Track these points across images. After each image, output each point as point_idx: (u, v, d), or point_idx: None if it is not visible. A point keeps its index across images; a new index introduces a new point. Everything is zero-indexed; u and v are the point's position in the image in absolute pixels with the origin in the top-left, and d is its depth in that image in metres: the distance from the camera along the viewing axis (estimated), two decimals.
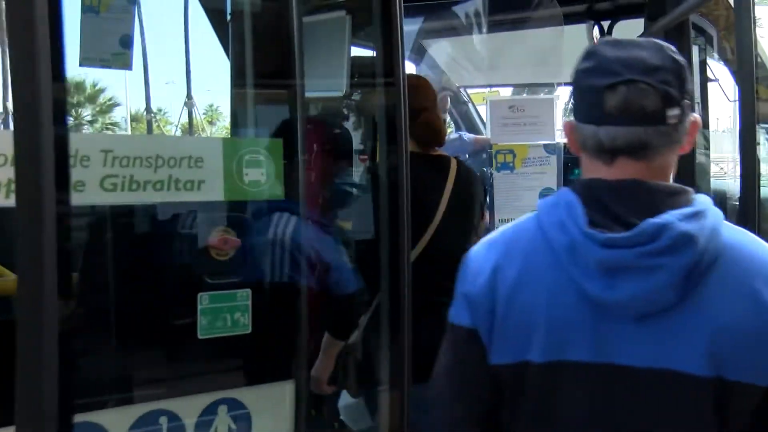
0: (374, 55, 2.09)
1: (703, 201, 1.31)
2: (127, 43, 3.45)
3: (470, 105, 5.32)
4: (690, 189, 1.32)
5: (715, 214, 1.29)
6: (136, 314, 1.91)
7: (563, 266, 1.29)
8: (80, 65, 3.58)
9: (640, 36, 3.05)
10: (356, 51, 2.80)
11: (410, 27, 4.35)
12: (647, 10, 3.08)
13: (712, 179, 3.46)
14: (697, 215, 1.26)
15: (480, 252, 1.42)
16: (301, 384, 2.10)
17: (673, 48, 1.35)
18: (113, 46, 3.46)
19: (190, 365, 2.00)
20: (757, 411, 1.26)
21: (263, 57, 2.42)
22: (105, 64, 3.56)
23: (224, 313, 1.94)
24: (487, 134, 3.90)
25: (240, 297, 1.97)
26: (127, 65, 3.49)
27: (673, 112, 1.29)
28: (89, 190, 1.73)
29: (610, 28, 3.71)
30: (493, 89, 5.36)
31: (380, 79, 2.00)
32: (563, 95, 4.08)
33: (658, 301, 1.24)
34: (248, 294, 1.98)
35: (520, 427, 1.36)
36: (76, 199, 1.69)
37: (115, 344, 1.93)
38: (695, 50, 3.44)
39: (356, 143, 2.79)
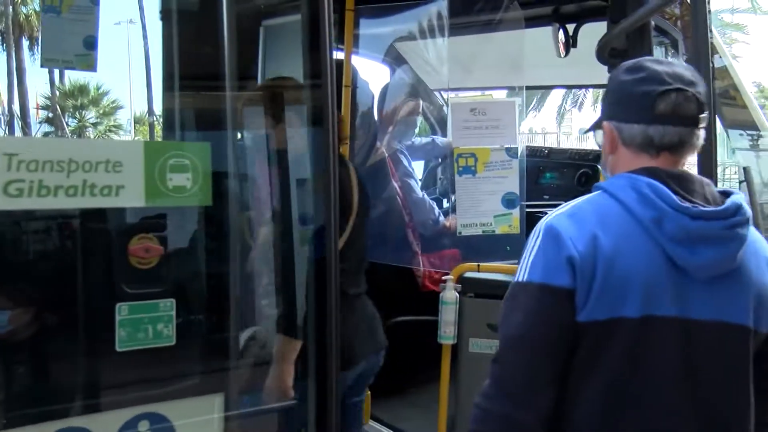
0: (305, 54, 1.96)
1: (740, 193, 1.58)
2: (91, 44, 3.32)
3: (447, 109, 5.18)
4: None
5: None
6: (47, 326, 1.77)
7: (651, 235, 1.49)
8: (42, 66, 3.46)
9: (602, 38, 2.93)
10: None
11: (382, 29, 4.22)
12: (609, 13, 2.95)
13: None
14: (742, 199, 1.56)
15: (565, 223, 1.53)
16: (231, 397, 1.96)
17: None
18: (77, 48, 3.33)
19: (108, 379, 1.86)
20: (757, 354, 1.57)
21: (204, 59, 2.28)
22: (68, 65, 3.43)
23: (145, 324, 1.80)
24: (448, 138, 3.78)
25: (163, 307, 1.83)
26: (91, 66, 3.35)
27: (704, 118, 1.57)
28: None
29: (576, 31, 3.59)
30: (487, 92, 5.22)
31: (308, 79, 1.87)
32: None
33: (727, 266, 1.52)
34: (172, 304, 1.84)
35: (599, 380, 1.49)
36: None
37: (24, 358, 1.79)
38: (661, 53, 3.32)
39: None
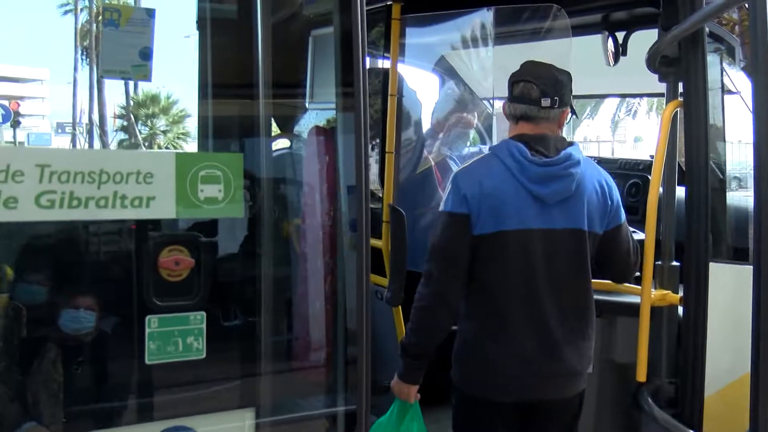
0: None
1: (577, 145, 2.43)
2: (147, 55, 3.31)
3: (495, 117, 5.01)
4: (567, 139, 2.47)
5: (581, 152, 2.42)
6: (76, 339, 1.71)
7: (517, 178, 2.31)
8: (101, 77, 3.46)
9: (652, 46, 2.76)
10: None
11: (432, 38, 4.10)
12: (661, 20, 2.77)
13: (731, 192, 3.11)
14: (577, 151, 2.39)
15: (464, 175, 2.39)
16: (262, 411, 1.86)
17: (559, 69, 2.48)
18: (133, 59, 3.32)
19: (138, 392, 1.78)
20: (600, 248, 2.45)
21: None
22: (125, 76, 3.43)
23: (175, 337, 1.73)
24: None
25: (193, 320, 1.75)
26: (146, 77, 3.34)
27: (545, 100, 2.37)
28: (22, 207, 1.53)
29: (626, 39, 3.40)
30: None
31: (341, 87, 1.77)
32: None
33: (566, 193, 2.34)
34: (202, 317, 1.76)
35: (497, 270, 2.32)
36: (6, 216, 1.51)
37: (55, 369, 1.73)
38: (716, 60, 3.11)
39: None
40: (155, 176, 1.68)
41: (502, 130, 3.29)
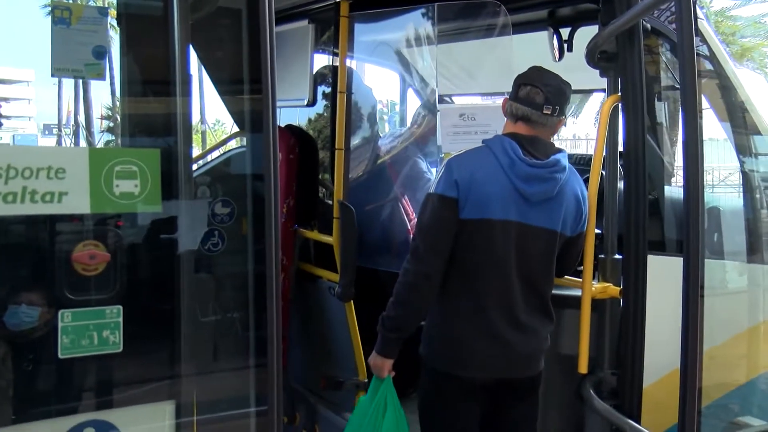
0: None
1: (565, 152, 2.59)
2: (101, 53, 3.29)
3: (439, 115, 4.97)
4: (557, 146, 2.62)
5: (567, 159, 2.58)
6: None
7: (506, 173, 2.46)
8: (52, 76, 3.42)
9: (590, 41, 2.79)
10: None
11: (387, 36, 4.09)
12: (600, 15, 2.80)
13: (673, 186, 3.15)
14: (564, 157, 2.55)
15: (456, 163, 2.53)
16: (183, 404, 1.86)
17: (563, 79, 2.60)
18: (87, 57, 3.30)
19: (51, 386, 1.78)
20: (561, 247, 2.62)
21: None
22: (78, 74, 3.41)
23: (90, 331, 1.73)
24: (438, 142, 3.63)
25: (109, 314, 1.75)
26: (101, 75, 3.32)
27: (547, 108, 2.52)
28: None
29: (571, 34, 3.41)
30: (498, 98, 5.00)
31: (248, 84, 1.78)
32: None
33: (549, 194, 2.49)
34: (119, 311, 1.76)
35: (476, 254, 2.48)
36: None
37: None
38: (662, 58, 3.13)
39: None
40: (68, 172, 1.69)
41: (445, 126, 3.32)
